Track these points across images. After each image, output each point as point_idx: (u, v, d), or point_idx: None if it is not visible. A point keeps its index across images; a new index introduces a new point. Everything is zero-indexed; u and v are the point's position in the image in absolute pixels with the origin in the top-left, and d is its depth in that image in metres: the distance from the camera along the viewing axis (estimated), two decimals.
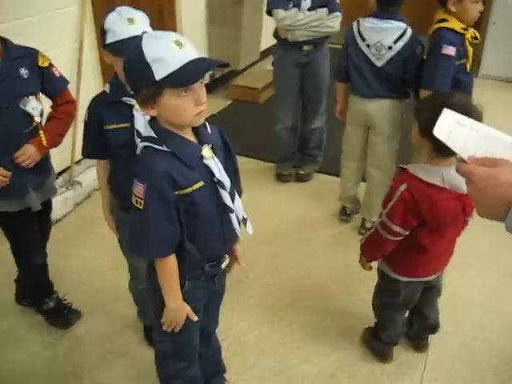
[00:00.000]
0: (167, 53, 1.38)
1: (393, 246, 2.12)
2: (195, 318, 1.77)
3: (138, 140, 1.95)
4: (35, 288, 2.75)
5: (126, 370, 2.50)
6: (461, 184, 1.80)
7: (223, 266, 1.81)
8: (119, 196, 2.17)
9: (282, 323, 2.77)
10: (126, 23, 1.88)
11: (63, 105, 2.41)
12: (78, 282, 2.98)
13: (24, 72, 2.22)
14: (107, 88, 2.07)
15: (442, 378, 2.47)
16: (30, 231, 2.53)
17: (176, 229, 1.58)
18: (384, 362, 2.53)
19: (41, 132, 2.33)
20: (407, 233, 2.06)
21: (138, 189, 1.50)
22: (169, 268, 1.64)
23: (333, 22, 3.59)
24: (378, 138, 3.21)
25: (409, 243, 2.10)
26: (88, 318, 2.78)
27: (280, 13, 3.59)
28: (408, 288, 2.27)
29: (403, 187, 1.98)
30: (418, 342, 2.59)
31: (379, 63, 3.01)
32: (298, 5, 3.56)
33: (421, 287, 2.31)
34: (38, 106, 2.31)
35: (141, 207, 1.51)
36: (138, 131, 1.98)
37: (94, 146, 2.12)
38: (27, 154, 2.26)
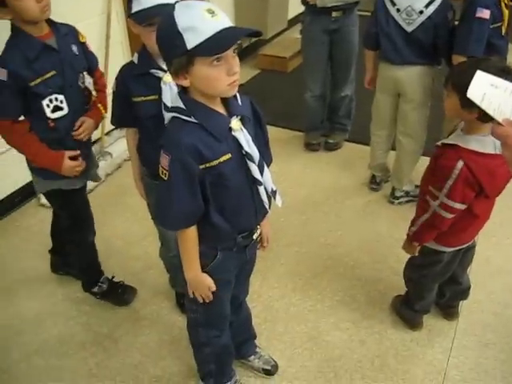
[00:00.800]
0: (199, 21, 1.35)
1: (450, 222, 2.09)
2: (213, 288, 1.77)
3: (165, 113, 1.96)
4: (88, 268, 2.74)
5: (159, 335, 2.56)
6: None
7: (255, 236, 1.82)
8: (147, 164, 2.21)
9: (313, 291, 2.79)
10: None
11: (100, 78, 2.44)
12: (110, 251, 3.03)
13: (75, 49, 2.20)
14: (135, 58, 2.06)
15: (473, 346, 2.47)
16: (87, 207, 2.56)
17: (198, 203, 1.57)
18: (414, 330, 2.54)
19: (99, 105, 2.35)
20: (466, 206, 2.04)
21: (164, 160, 1.51)
22: (187, 238, 1.66)
23: None
24: (409, 105, 3.16)
25: (461, 214, 2.07)
26: None
27: None
28: (451, 256, 2.26)
29: (460, 165, 1.92)
30: (449, 310, 2.59)
31: (409, 28, 2.93)
32: None
33: (461, 252, 2.30)
34: (91, 80, 2.33)
35: (165, 178, 1.52)
36: (165, 104, 1.97)
37: (123, 115, 2.14)
38: (87, 128, 2.28)
